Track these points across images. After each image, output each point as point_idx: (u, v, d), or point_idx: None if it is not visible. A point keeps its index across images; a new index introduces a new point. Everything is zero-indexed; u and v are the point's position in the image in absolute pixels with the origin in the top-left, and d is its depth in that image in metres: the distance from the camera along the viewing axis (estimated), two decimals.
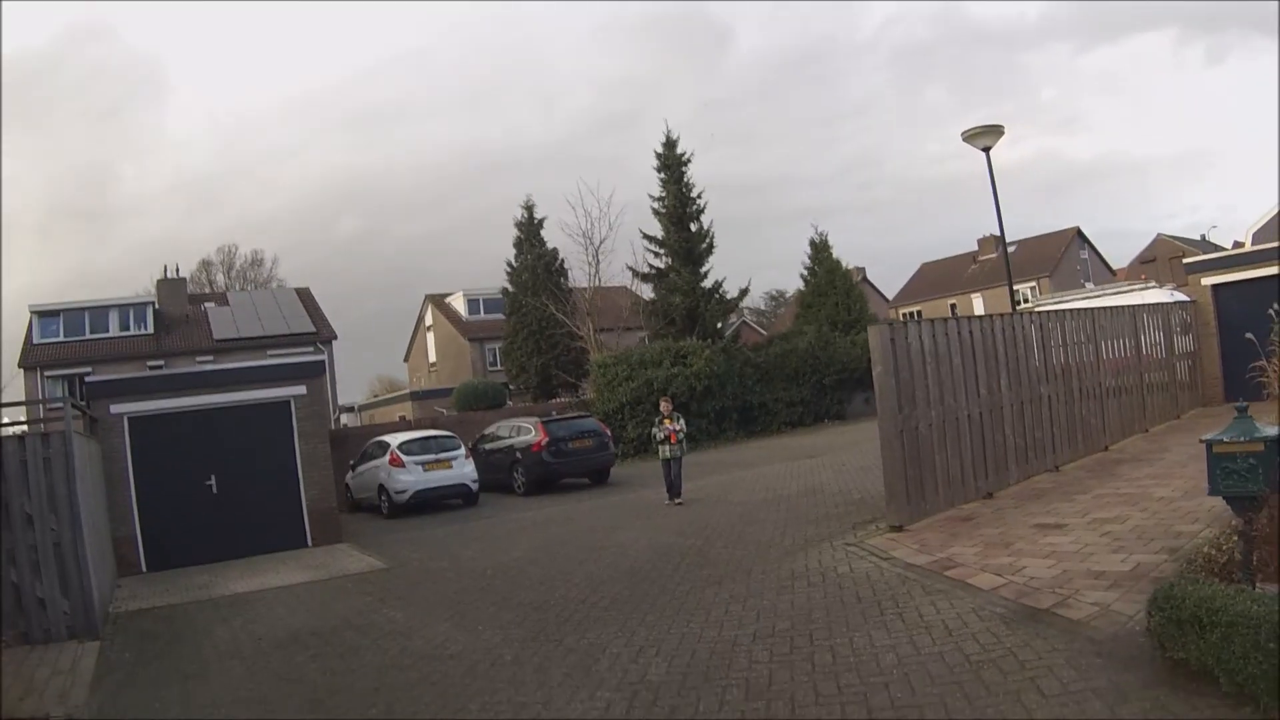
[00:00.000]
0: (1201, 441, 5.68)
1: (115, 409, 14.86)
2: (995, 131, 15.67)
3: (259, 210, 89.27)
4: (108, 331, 35.74)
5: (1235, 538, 6.31)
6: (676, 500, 15.27)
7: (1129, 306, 16.21)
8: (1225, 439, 5.51)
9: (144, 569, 14.50)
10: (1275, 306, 10.11)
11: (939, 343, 10.79)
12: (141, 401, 15.12)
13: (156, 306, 37.81)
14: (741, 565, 9.58)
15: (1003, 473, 11.40)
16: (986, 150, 15.60)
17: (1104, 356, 14.34)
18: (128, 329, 36.17)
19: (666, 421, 15.50)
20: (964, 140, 15.70)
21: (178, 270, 41.02)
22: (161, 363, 32.65)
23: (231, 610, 10.72)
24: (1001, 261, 52.05)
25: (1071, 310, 14.42)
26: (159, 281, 40.16)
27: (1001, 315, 12.57)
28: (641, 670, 6.46)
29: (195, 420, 15.26)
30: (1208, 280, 18.64)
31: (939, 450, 10.53)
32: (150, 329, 36.46)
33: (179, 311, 38.27)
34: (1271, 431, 5.44)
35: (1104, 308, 15.57)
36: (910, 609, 6.96)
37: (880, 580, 8.01)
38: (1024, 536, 8.62)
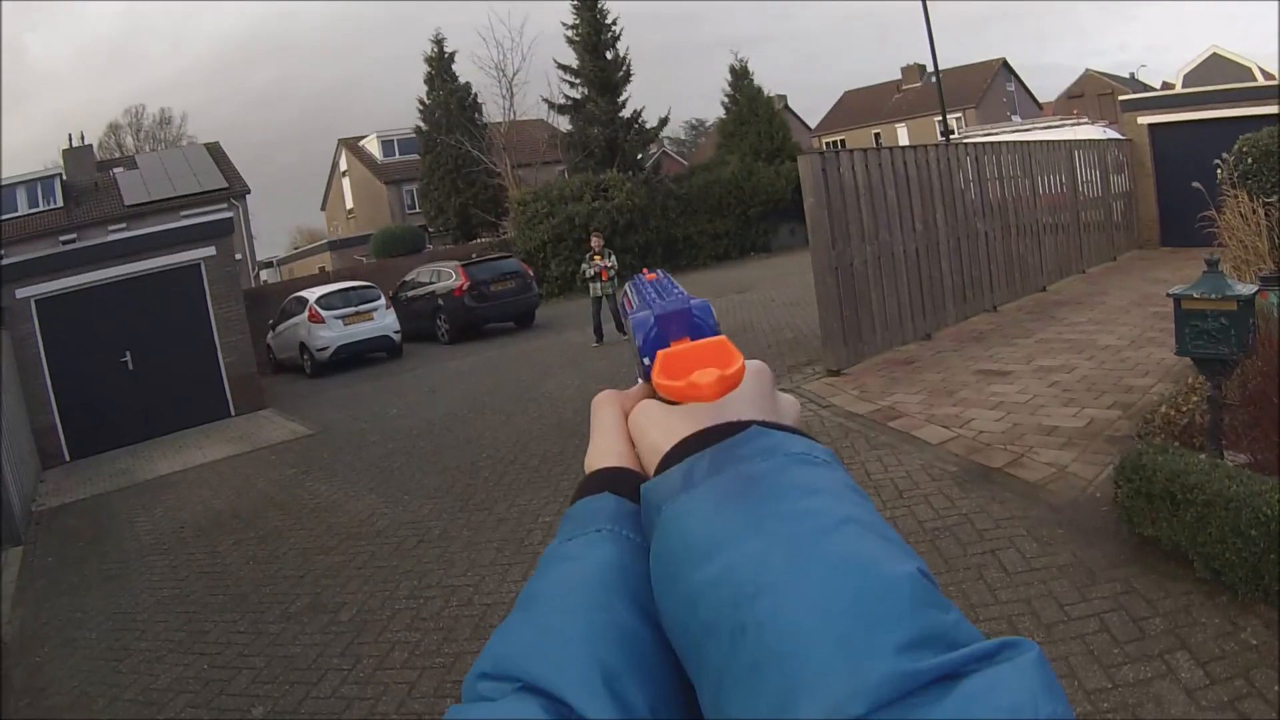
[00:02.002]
0: (1169, 295, 5.33)
1: (21, 293, 13.94)
2: None
3: (167, 70, 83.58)
4: (16, 211, 33.07)
5: (1195, 398, 6.12)
6: (624, 335, 14.77)
7: (1065, 142, 15.72)
8: (1195, 294, 5.14)
9: (67, 458, 13.91)
10: (1224, 155, 9.85)
11: (872, 174, 10.31)
12: (46, 282, 14.19)
13: (64, 178, 34.96)
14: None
15: (940, 312, 11.16)
16: None
17: (1040, 193, 13.94)
18: (36, 206, 33.67)
19: (596, 258, 14.88)
20: None
21: (83, 138, 38.05)
22: (74, 236, 30.20)
23: (154, 496, 10.26)
24: (925, 91, 51.61)
25: (1007, 143, 13.98)
26: (64, 151, 37.07)
27: (936, 146, 12.12)
28: None
29: (104, 296, 14.41)
30: (1144, 119, 17.93)
31: (875, 288, 10.21)
32: (59, 202, 33.95)
33: (88, 180, 35.46)
34: (1245, 289, 5.08)
35: (1040, 142, 15.13)
36: (856, 465, 6.71)
37: (821, 431, 7.74)
38: (968, 384, 8.40)
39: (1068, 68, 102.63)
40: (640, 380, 0.67)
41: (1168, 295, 5.38)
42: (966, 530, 5.24)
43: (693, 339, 0.59)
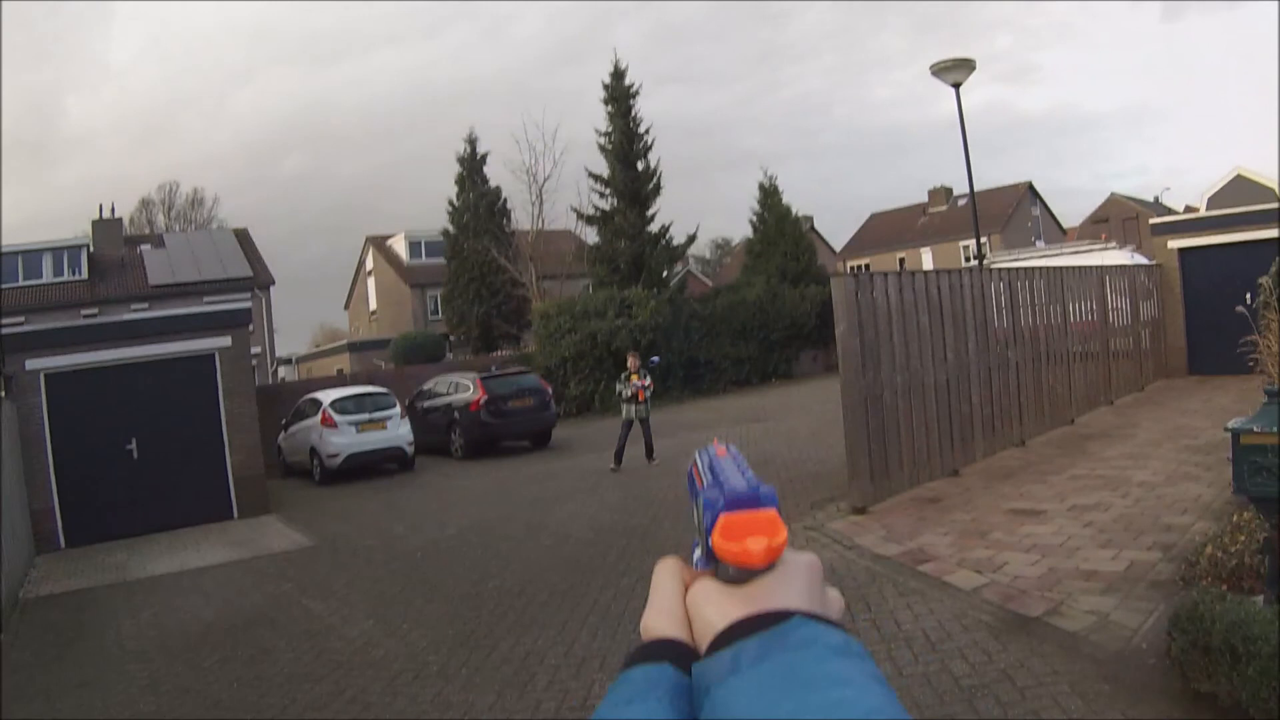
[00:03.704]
0: (1227, 430, 5.03)
1: (31, 365, 13.64)
2: (966, 66, 14.70)
3: (203, 147, 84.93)
4: (41, 278, 32.72)
5: (1242, 537, 5.69)
6: (653, 461, 14.49)
7: (1096, 267, 15.52)
8: (1255, 428, 4.83)
9: (62, 544, 13.48)
10: (1264, 278, 9.54)
11: (905, 299, 10.03)
12: (58, 356, 13.89)
13: (91, 249, 34.70)
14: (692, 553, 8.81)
15: (969, 447, 10.76)
16: (956, 86, 14.71)
17: (1071, 320, 13.62)
18: (61, 275, 33.18)
19: (634, 378, 14.51)
20: (933, 74, 14.73)
21: (113, 210, 37.85)
22: (95, 311, 29.44)
23: (144, 598, 9.86)
24: (950, 215, 52.02)
25: (1040, 268, 13.74)
26: (94, 222, 36.81)
27: (969, 271, 11.88)
28: (584, 690, 5.71)
29: (114, 377, 14.11)
30: (1175, 243, 17.57)
31: (904, 420, 9.83)
32: (84, 274, 33.45)
33: (114, 255, 35.12)
34: None
35: (1072, 267, 14.91)
36: (885, 613, 6.28)
37: (847, 575, 7.31)
38: (1000, 525, 7.99)
39: (1088, 191, 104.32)
40: (701, 552, 0.68)
41: (1226, 430, 5.09)
42: (1006, 688, 4.81)
43: None
